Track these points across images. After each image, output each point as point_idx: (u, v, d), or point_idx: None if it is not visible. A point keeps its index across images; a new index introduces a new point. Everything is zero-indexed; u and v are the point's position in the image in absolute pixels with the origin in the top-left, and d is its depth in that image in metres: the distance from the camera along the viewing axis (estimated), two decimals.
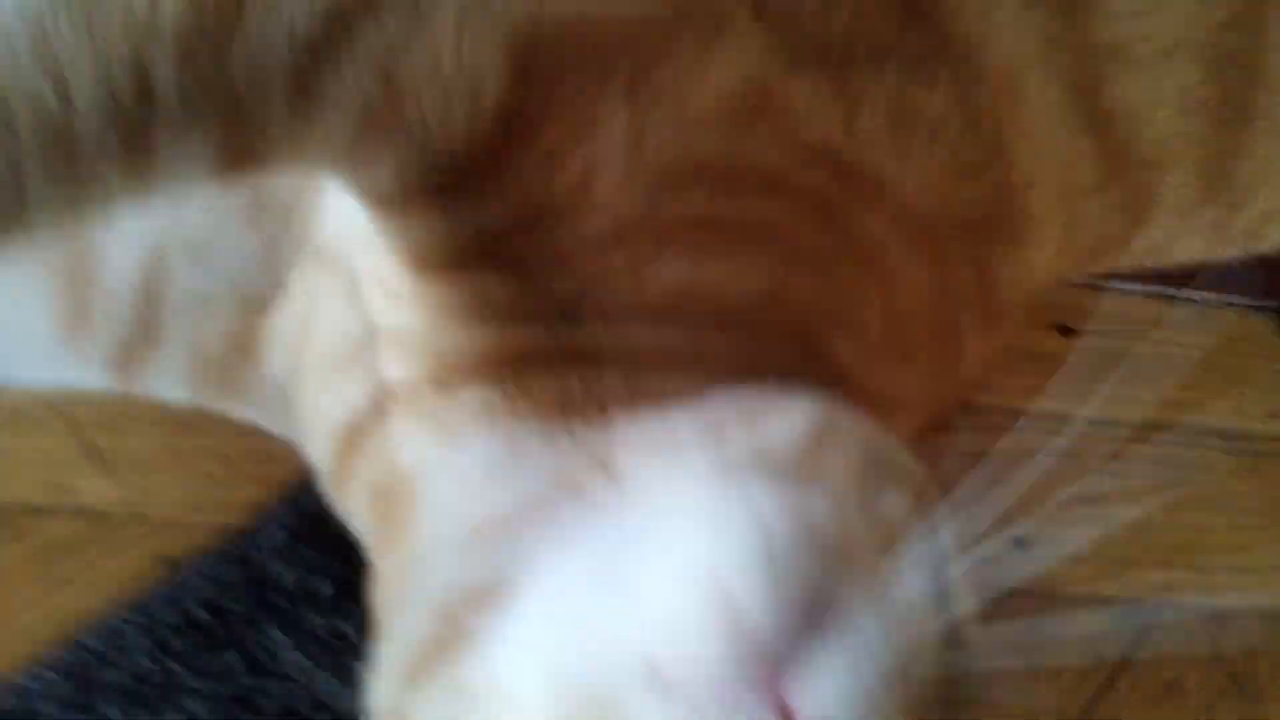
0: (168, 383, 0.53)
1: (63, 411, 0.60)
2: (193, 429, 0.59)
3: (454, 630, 0.37)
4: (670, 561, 0.33)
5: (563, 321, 0.40)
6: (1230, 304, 0.84)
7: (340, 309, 0.47)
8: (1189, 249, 0.65)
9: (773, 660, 0.31)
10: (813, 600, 0.32)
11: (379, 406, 0.45)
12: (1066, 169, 0.54)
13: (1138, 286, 0.78)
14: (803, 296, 0.43)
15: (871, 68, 0.46)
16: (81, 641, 0.53)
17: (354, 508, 0.48)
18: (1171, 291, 0.81)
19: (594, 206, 0.39)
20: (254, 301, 0.51)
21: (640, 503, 0.36)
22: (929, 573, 0.36)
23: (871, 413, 0.42)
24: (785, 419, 0.38)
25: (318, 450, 0.50)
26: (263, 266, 0.50)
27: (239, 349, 0.52)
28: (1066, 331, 0.74)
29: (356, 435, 0.47)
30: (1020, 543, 0.37)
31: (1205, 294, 0.83)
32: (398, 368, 0.44)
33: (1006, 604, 0.37)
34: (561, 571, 0.35)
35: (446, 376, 0.42)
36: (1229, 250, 0.67)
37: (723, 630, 0.31)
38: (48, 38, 0.31)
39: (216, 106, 0.33)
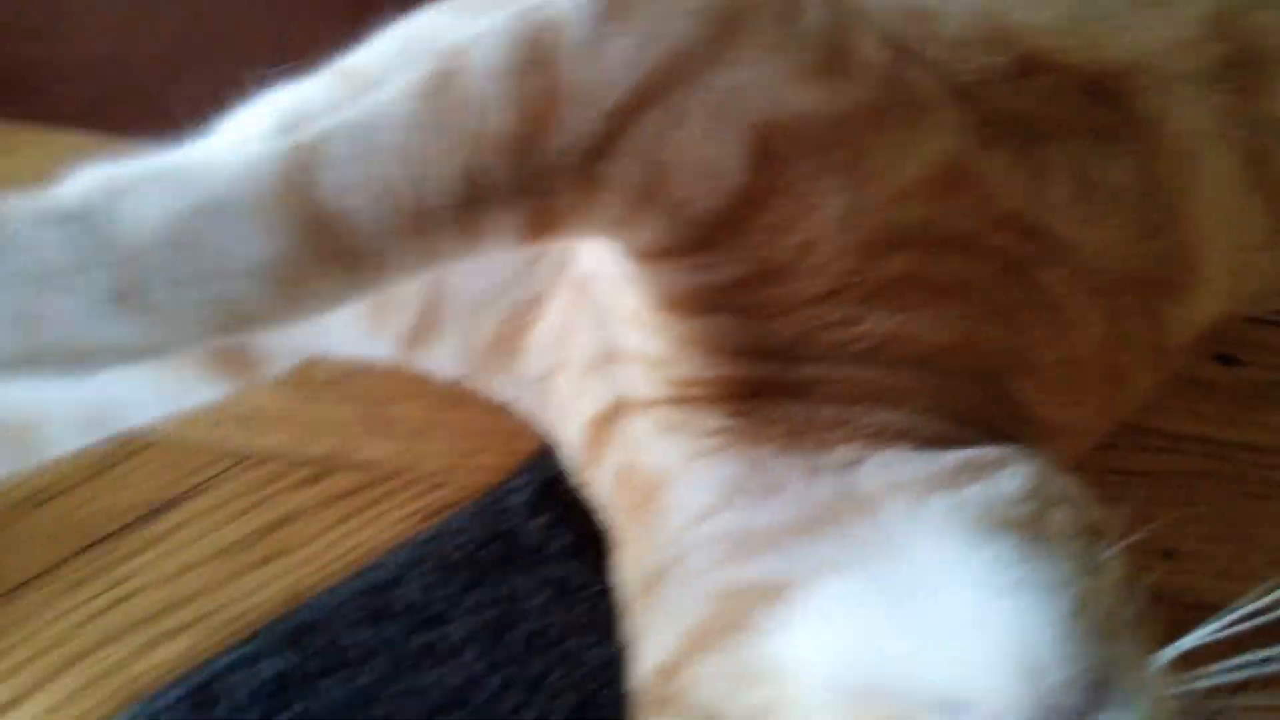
0: (442, 363, 0.64)
1: (349, 383, 0.72)
2: (453, 404, 0.70)
3: (735, 618, 0.41)
4: (973, 611, 0.36)
5: (784, 361, 0.47)
6: None
7: (590, 330, 0.55)
8: None
9: None
10: (1101, 670, 0.35)
11: (622, 410, 0.53)
12: (1238, 228, 0.57)
13: None
14: (991, 343, 0.48)
15: (1058, 143, 0.51)
16: (365, 573, 0.65)
17: (602, 489, 0.56)
18: None
19: (812, 268, 0.45)
20: (517, 308, 0.60)
21: (901, 542, 0.40)
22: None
23: (1045, 444, 0.47)
24: (1012, 474, 0.42)
25: (570, 437, 0.58)
26: (524, 281, 0.59)
27: (502, 346, 0.61)
28: (1228, 361, 0.76)
29: (603, 430, 0.54)
30: None
31: None
32: (639, 385, 0.51)
33: None
34: (846, 587, 0.39)
35: (684, 400, 0.49)
36: None
37: (1027, 688, 0.34)
38: (409, 146, 0.41)
39: (529, 191, 0.42)
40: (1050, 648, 0.35)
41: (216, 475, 0.68)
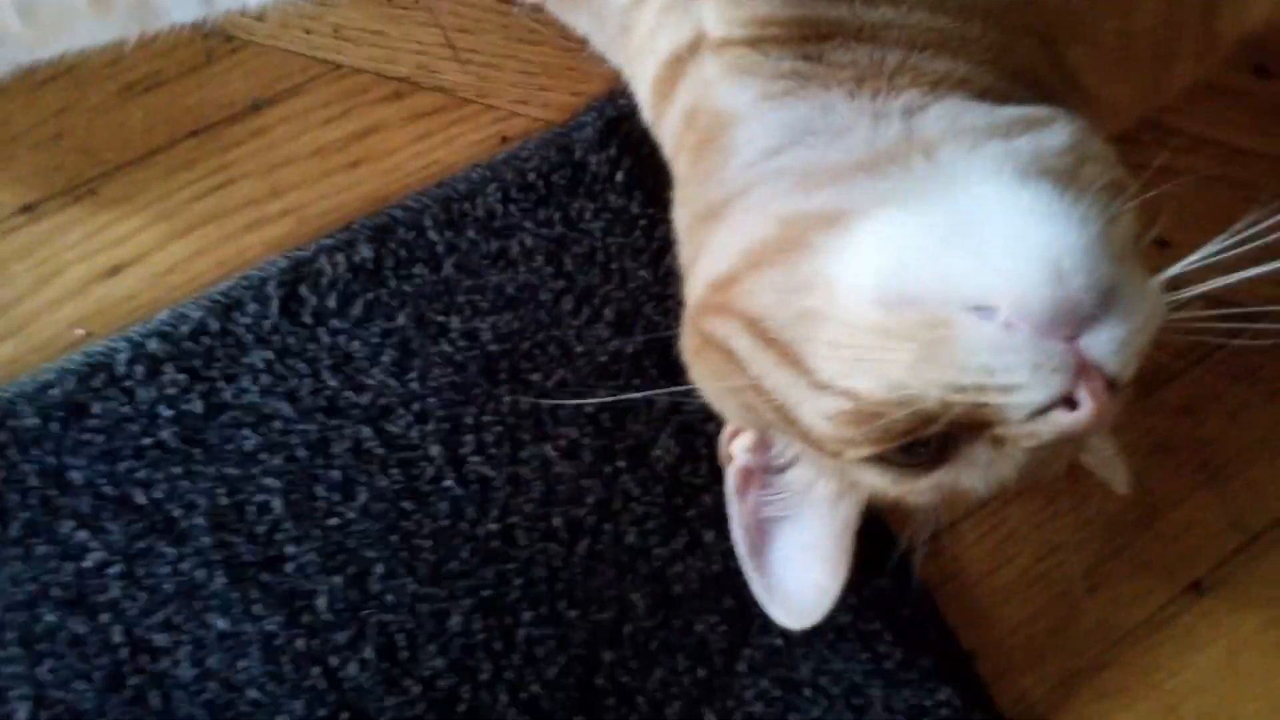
0: None
1: (433, 10, 0.76)
2: (530, 40, 0.74)
3: (795, 239, 0.47)
4: (1011, 231, 0.43)
5: (858, 3, 0.50)
6: None
7: None
8: None
9: (1079, 322, 0.42)
10: (1112, 282, 0.43)
11: (698, 49, 0.57)
12: None
13: None
14: (1052, 6, 0.53)
15: None
16: (446, 184, 0.72)
17: (668, 128, 0.60)
18: None
19: None
20: None
21: (956, 179, 0.45)
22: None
23: (1087, 113, 0.51)
24: (1058, 130, 0.47)
25: (644, 75, 0.62)
26: None
27: None
28: (1264, 72, 0.79)
29: (678, 66, 0.58)
30: None
31: None
32: (718, 25, 0.54)
33: None
34: (901, 215, 0.45)
35: (759, 40, 0.52)
36: None
37: (1051, 295, 0.41)
38: None
39: None
40: (1074, 259, 0.42)
41: (309, 80, 0.73)
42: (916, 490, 0.51)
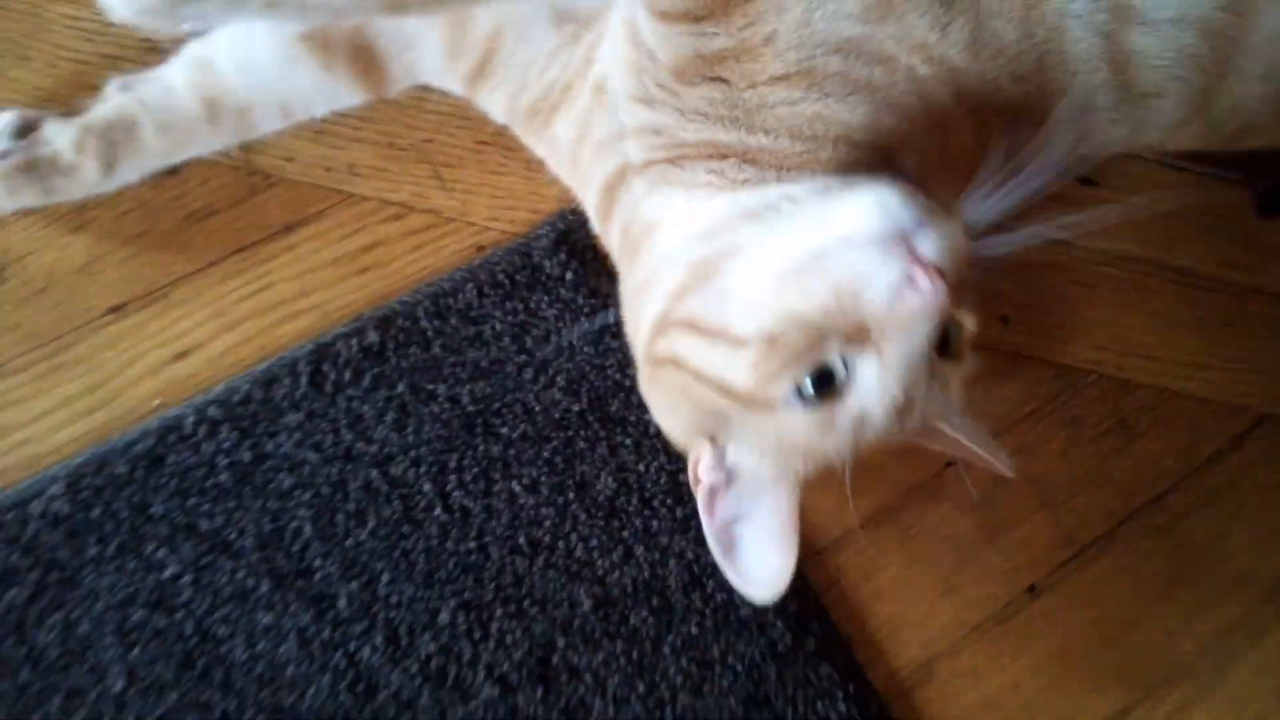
0: (493, 109, 0.88)
1: (424, 148, 0.98)
2: (500, 172, 0.96)
3: (707, 269, 0.65)
4: (859, 212, 0.60)
5: (748, 130, 0.66)
6: (1217, 175, 1.04)
7: (605, 119, 0.76)
8: (1181, 145, 0.84)
9: (905, 234, 0.58)
10: (927, 217, 0.59)
11: (625, 176, 0.75)
12: (1089, 91, 0.73)
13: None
14: (889, 130, 0.68)
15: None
16: (435, 284, 0.93)
17: (613, 240, 0.79)
18: (1180, 164, 1.03)
19: (774, 54, 0.64)
20: (553, 88, 0.81)
21: (818, 206, 0.63)
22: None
23: None
24: (862, 189, 0.62)
25: (590, 199, 0.81)
26: (560, 62, 0.80)
27: (539, 116, 0.83)
28: (1090, 183, 0.99)
29: (611, 194, 0.77)
30: None
31: (1202, 166, 1.03)
32: (641, 153, 0.71)
33: None
34: (769, 240, 0.63)
35: (680, 158, 0.69)
36: (1223, 147, 0.86)
37: (881, 221, 0.59)
38: None
39: None
40: (894, 201, 0.60)
41: (329, 207, 0.95)
42: (834, 432, 0.64)
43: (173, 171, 0.93)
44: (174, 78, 0.88)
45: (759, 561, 0.70)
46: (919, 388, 0.63)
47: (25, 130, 0.88)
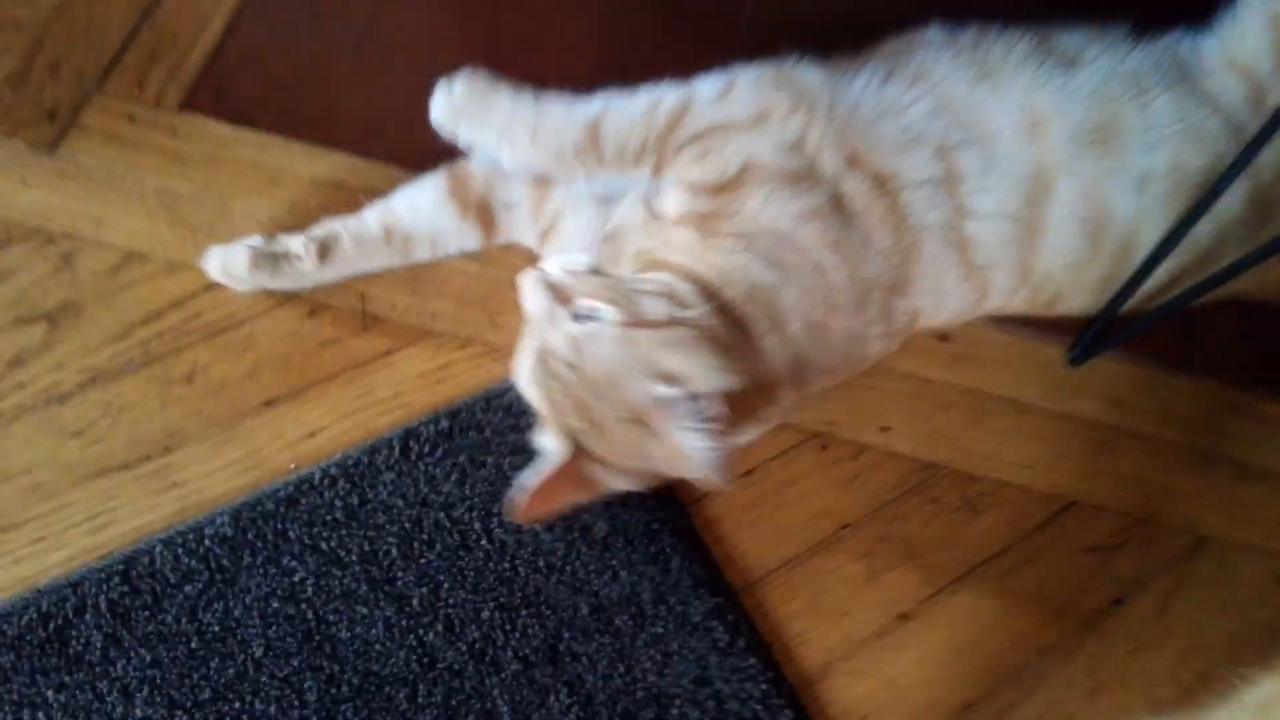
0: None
1: (485, 302, 1.41)
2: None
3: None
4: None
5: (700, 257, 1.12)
6: (1039, 336, 1.40)
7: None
8: (1014, 309, 1.25)
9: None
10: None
11: None
12: (939, 275, 1.16)
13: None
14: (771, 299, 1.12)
15: None
16: (486, 392, 1.35)
17: None
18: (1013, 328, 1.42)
19: (731, 221, 1.13)
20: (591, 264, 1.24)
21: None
22: None
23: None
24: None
25: None
26: (592, 226, 1.26)
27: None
28: (944, 339, 1.38)
29: None
30: None
31: (1028, 331, 1.39)
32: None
33: None
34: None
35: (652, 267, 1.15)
36: (1042, 312, 1.26)
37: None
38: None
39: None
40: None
41: (416, 339, 1.37)
42: None
43: (311, 313, 1.36)
44: (367, 215, 1.33)
45: None
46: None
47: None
